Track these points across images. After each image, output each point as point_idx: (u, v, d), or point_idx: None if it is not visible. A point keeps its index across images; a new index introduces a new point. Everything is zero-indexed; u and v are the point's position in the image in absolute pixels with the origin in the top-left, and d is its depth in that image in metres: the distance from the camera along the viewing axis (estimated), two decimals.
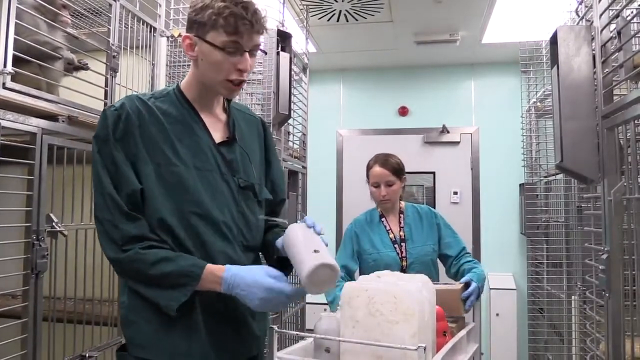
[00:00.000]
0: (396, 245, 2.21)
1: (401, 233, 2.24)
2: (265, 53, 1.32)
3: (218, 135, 1.31)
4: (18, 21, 1.53)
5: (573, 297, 2.66)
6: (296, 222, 1.31)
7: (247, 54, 1.20)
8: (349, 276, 2.20)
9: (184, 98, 1.29)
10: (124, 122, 1.20)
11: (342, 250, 2.29)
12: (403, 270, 2.15)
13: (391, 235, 2.24)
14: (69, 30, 1.92)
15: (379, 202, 2.28)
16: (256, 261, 1.36)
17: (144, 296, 1.17)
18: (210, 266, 1.15)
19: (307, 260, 1.13)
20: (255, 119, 1.46)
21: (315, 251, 1.15)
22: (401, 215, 2.29)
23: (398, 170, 2.26)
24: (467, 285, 1.88)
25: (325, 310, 1.64)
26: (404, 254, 2.20)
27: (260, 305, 1.12)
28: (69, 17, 1.89)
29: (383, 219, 2.28)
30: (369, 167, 2.30)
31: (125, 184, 1.17)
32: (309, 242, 1.18)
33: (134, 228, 1.15)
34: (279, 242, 1.26)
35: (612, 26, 1.62)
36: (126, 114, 1.20)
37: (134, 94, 1.30)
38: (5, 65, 1.48)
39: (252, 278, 1.12)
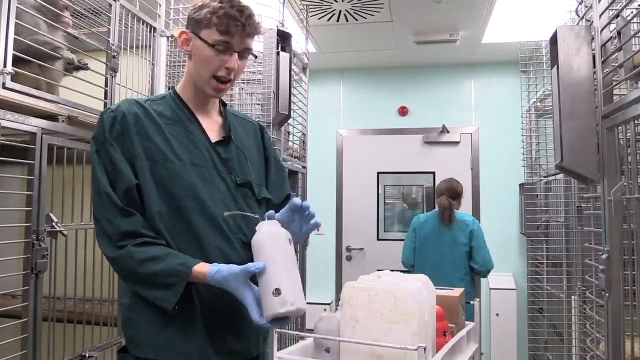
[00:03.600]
0: None
1: None
2: (255, 57, 1.34)
3: (214, 135, 1.33)
4: (18, 21, 1.53)
5: (573, 297, 2.66)
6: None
7: (236, 55, 1.25)
8: None
9: (180, 100, 1.33)
10: (120, 123, 1.23)
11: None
12: None
13: None
14: (70, 30, 1.92)
15: None
16: None
17: (142, 296, 1.19)
18: (196, 268, 1.14)
19: (267, 303, 1.06)
20: (252, 124, 1.48)
21: (277, 291, 1.05)
22: None
23: None
24: None
25: (325, 310, 1.64)
26: None
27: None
28: (70, 18, 1.89)
29: None
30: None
31: (122, 180, 1.19)
32: (275, 272, 1.07)
33: (128, 223, 1.17)
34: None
35: (612, 26, 1.62)
36: (122, 115, 1.24)
37: (131, 98, 1.33)
38: (5, 65, 1.48)
39: (234, 285, 1.11)
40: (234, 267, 1.12)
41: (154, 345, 1.19)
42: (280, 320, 1.09)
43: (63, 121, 1.70)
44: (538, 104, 3.33)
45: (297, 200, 1.19)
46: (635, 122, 1.43)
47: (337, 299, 3.98)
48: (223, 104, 1.41)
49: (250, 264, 1.11)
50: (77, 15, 2.17)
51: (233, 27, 1.22)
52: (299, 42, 3.10)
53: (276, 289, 1.06)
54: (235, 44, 1.24)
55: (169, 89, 1.41)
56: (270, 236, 1.12)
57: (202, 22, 1.23)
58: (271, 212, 1.19)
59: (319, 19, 3.57)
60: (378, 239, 4.64)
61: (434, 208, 4.74)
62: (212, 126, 1.34)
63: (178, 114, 1.30)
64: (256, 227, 1.16)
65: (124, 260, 1.16)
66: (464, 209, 4.47)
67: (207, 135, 1.30)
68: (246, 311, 1.17)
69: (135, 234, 1.17)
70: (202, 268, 1.14)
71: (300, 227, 1.23)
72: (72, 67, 1.92)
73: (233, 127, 1.37)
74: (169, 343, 1.18)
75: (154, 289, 1.15)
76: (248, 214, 1.30)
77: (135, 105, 1.27)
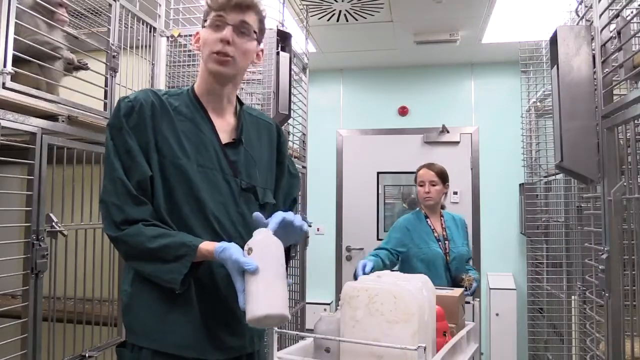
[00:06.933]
0: (440, 243, 2.54)
1: (444, 233, 2.58)
2: (256, 33, 1.35)
3: (225, 136, 1.33)
4: (18, 21, 1.53)
5: (573, 297, 2.66)
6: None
7: (230, 27, 1.25)
8: (379, 256, 2.42)
9: (196, 98, 1.34)
10: (137, 113, 1.24)
11: (390, 236, 2.58)
12: (447, 264, 2.50)
13: (435, 234, 2.56)
14: (68, 29, 1.92)
15: (422, 199, 2.60)
16: None
17: (147, 275, 1.19)
18: (203, 245, 1.15)
19: (250, 302, 1.07)
20: (269, 124, 1.47)
21: (259, 294, 1.07)
22: (442, 219, 2.63)
23: (442, 174, 2.60)
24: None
25: (325, 310, 1.64)
26: (447, 251, 2.53)
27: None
28: (66, 15, 1.89)
29: (428, 220, 2.60)
30: (416, 172, 2.66)
31: (137, 170, 1.20)
32: (261, 277, 1.08)
33: (139, 212, 1.18)
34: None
35: (612, 26, 1.62)
36: (139, 105, 1.24)
37: (149, 88, 1.34)
38: (5, 65, 1.48)
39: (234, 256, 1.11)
40: (235, 254, 1.10)
41: (150, 334, 1.20)
42: (261, 322, 1.07)
43: (63, 121, 1.70)
44: (538, 104, 3.33)
45: (287, 216, 1.18)
46: (635, 122, 1.43)
47: (337, 299, 3.98)
48: (240, 102, 1.41)
49: (244, 261, 1.09)
50: (77, 15, 2.17)
51: (223, 1, 1.25)
52: (299, 42, 3.10)
53: (263, 290, 1.07)
54: (229, 17, 1.25)
55: (169, 89, 1.41)
56: (262, 246, 1.12)
57: (205, 14, 1.30)
58: (260, 216, 1.18)
59: (319, 19, 3.57)
60: (378, 239, 4.64)
61: None
62: (224, 127, 1.34)
63: (193, 112, 1.31)
64: (253, 233, 1.15)
65: (132, 237, 1.17)
66: (465, 209, 4.52)
67: (218, 136, 1.31)
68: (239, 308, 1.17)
69: (144, 221, 1.18)
70: (208, 245, 1.15)
71: (291, 238, 1.22)
72: (72, 67, 1.92)
73: (246, 130, 1.37)
74: (165, 333, 1.20)
75: (162, 263, 1.15)
76: (248, 219, 1.29)
77: (152, 95, 1.28)
